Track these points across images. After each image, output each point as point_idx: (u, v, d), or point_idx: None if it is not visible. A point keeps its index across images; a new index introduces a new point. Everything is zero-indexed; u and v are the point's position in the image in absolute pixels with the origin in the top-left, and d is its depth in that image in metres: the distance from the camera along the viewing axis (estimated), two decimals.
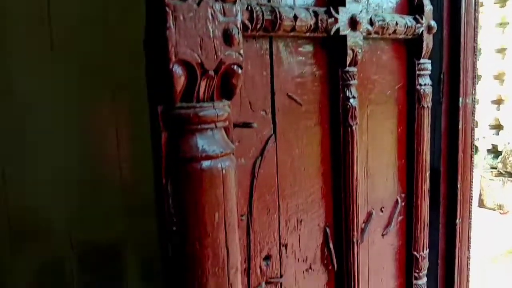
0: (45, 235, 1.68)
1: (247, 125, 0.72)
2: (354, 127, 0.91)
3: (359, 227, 0.97)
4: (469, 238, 1.38)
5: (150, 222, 1.68)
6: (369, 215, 1.06)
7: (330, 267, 0.96)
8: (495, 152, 6.07)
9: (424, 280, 1.23)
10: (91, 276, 1.74)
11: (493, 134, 6.19)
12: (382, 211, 1.11)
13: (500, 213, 4.24)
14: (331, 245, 0.94)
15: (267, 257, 0.81)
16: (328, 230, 0.94)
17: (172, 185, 0.62)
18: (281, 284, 0.84)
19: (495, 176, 4.56)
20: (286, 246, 0.85)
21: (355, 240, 0.96)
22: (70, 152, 1.70)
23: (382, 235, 1.12)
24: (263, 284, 0.80)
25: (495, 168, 5.13)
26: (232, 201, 0.66)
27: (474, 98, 1.31)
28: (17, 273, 1.67)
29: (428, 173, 1.19)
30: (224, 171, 0.64)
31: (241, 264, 0.72)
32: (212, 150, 0.62)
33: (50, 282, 1.69)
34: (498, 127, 6.16)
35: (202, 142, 0.61)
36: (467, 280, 1.39)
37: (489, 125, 6.13)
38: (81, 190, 1.74)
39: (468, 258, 1.38)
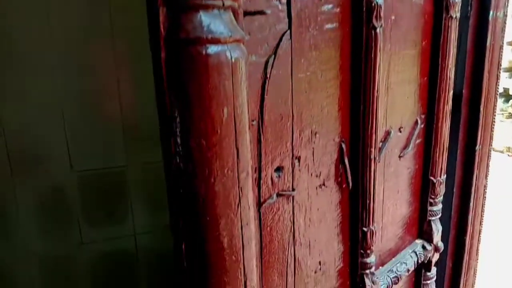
0: (45, 162, 1.64)
1: (259, 12, 0.62)
2: (378, 30, 0.81)
3: (377, 143, 0.90)
4: (487, 166, 1.31)
5: (151, 149, 1.62)
6: (387, 134, 0.99)
7: (344, 186, 0.90)
8: (506, 96, 5.90)
9: (439, 206, 1.18)
10: (93, 201, 1.72)
11: (506, 78, 6.00)
12: (400, 131, 1.04)
13: (508, 155, 4.18)
14: (346, 162, 0.87)
15: (279, 169, 0.75)
16: (343, 145, 0.87)
17: (173, 73, 0.53)
18: (293, 197, 0.78)
19: (506, 118, 4.45)
20: (299, 158, 0.78)
21: (372, 157, 0.89)
22: (70, 78, 1.61)
23: (399, 157, 1.05)
24: (275, 196, 0.74)
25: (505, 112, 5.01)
26: (243, 97, 0.58)
27: (506, 12, 1.19)
28: (19, 199, 1.64)
29: (451, 93, 1.10)
30: (233, 60, 0.55)
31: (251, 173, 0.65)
32: (220, 32, 0.53)
33: (52, 208, 1.67)
34: (511, 70, 5.96)
35: (208, 21, 0.52)
36: (482, 210, 1.35)
37: (502, 68, 5.92)
38: (81, 118, 1.67)
39: (485, 186, 1.33)
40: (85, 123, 1.68)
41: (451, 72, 1.08)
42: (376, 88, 0.85)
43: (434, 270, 1.23)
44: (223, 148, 0.57)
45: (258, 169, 0.71)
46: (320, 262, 0.89)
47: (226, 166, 0.58)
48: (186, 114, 0.54)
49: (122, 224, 1.77)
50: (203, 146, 0.55)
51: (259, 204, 0.72)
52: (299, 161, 0.78)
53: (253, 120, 0.68)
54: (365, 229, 0.93)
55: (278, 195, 0.75)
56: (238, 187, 0.60)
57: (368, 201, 0.92)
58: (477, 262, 1.39)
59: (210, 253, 0.59)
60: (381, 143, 0.97)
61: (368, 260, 0.95)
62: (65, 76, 1.59)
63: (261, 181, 0.72)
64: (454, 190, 1.30)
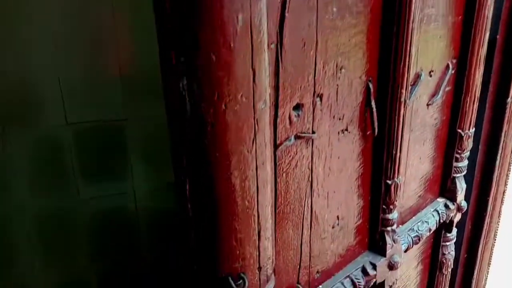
0: (40, 114, 1.53)
1: None
2: None
3: (408, 84, 0.79)
4: None
5: (151, 103, 1.50)
6: (417, 77, 0.88)
7: (368, 132, 0.79)
8: None
9: (465, 162, 1.08)
10: (91, 155, 1.63)
11: None
12: (430, 76, 0.92)
13: None
14: (373, 104, 0.76)
15: (298, 106, 0.64)
16: (371, 85, 0.76)
17: None
18: (312, 141, 0.68)
19: None
20: (321, 96, 0.67)
21: (402, 99, 0.78)
22: (69, 28, 1.48)
23: (427, 105, 0.94)
24: (292, 138, 0.64)
25: None
26: (262, 3, 0.47)
27: None
28: (13, 153, 1.55)
29: (487, 35, 0.98)
30: None
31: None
32: None
33: (47, 162, 1.58)
34: None
35: None
36: (509, 169, 1.25)
37: None
38: (77, 69, 1.55)
39: None
40: (82, 74, 1.56)
41: (489, 11, 0.95)
42: (411, 18, 0.73)
43: (454, 231, 1.15)
44: (237, 66, 0.46)
45: (275, 105, 0.60)
46: (338, 217, 0.80)
47: (241, 91, 0.47)
48: (190, 20, 0.43)
49: (122, 180, 1.69)
50: (212, 62, 0.44)
51: (274, 145, 0.62)
52: (321, 99, 0.68)
53: (271, 43, 0.56)
54: (389, 182, 0.83)
55: (296, 137, 0.65)
56: (254, 118, 0.49)
57: (394, 151, 0.82)
58: (499, 225, 1.30)
59: (219, 196, 0.50)
60: (410, 87, 0.86)
61: (390, 216, 0.86)
62: (61, 25, 1.46)
63: (278, 120, 0.61)
64: (480, 146, 1.20)
